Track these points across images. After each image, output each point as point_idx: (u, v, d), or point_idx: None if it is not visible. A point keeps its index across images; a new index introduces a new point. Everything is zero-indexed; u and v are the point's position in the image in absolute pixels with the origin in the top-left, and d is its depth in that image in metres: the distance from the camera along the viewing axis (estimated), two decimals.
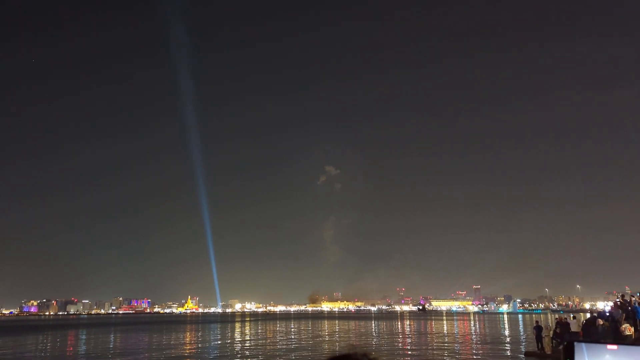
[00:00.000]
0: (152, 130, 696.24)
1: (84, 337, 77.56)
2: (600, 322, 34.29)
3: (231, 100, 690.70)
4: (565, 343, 1.71)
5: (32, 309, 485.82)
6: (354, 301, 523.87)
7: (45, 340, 68.74)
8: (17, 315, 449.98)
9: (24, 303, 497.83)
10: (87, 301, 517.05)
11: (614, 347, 1.64)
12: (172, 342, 62.56)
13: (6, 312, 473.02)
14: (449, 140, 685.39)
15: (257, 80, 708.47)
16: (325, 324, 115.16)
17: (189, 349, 51.01)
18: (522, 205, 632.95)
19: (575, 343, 1.67)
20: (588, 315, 48.65)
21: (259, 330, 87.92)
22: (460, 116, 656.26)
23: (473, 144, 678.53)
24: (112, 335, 78.21)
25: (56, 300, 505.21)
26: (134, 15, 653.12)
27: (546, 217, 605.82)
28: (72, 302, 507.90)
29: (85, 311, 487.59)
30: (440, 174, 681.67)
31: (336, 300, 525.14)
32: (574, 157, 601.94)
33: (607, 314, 39.24)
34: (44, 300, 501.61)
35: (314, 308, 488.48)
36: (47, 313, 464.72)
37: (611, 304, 69.20)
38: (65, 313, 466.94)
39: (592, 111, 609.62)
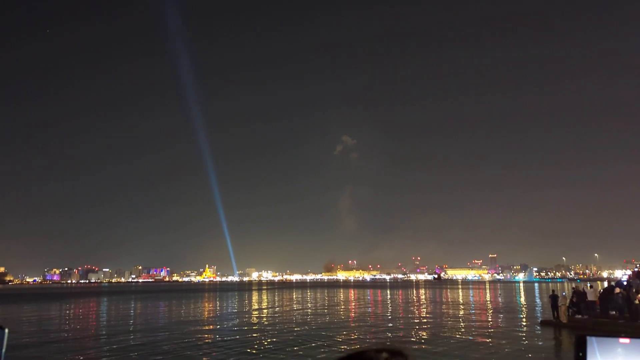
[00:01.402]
0: (171, 111, 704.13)
1: (106, 304, 79.49)
2: (618, 290, 34.13)
3: (247, 81, 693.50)
4: (575, 337, 1.68)
5: (55, 277, 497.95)
6: (370, 270, 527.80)
7: (69, 308, 70.56)
8: (41, 283, 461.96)
9: (47, 271, 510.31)
10: (108, 270, 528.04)
11: (626, 340, 1.61)
12: (191, 310, 63.85)
13: (30, 280, 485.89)
14: (466, 122, 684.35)
15: (274, 62, 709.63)
16: (341, 293, 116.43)
17: (209, 318, 52.00)
18: (539, 185, 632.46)
19: (587, 337, 1.63)
20: (605, 284, 48.46)
21: (276, 299, 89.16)
22: (477, 99, 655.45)
23: (491, 127, 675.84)
24: (132, 303, 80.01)
25: (78, 269, 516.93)
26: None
27: (563, 196, 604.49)
28: (93, 271, 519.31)
29: (106, 279, 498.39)
30: (457, 155, 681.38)
31: (352, 269, 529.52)
32: (593, 140, 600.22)
33: (625, 282, 39.04)
34: (66, 269, 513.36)
35: (330, 277, 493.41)
36: (69, 281, 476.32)
37: (629, 272, 68.80)
38: (87, 281, 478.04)
39: (606, 97, 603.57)
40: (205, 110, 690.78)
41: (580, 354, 1.64)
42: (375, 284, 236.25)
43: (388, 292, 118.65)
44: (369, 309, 59.68)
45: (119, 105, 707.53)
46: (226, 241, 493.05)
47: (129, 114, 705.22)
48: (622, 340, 1.60)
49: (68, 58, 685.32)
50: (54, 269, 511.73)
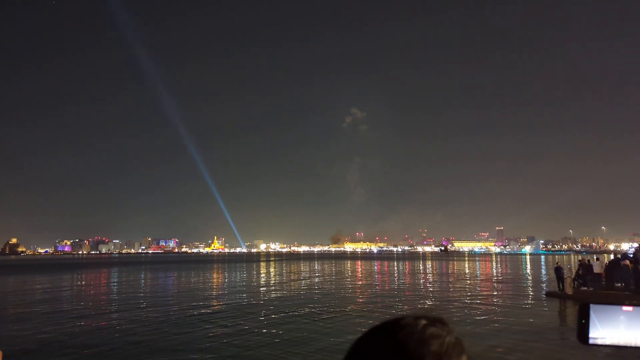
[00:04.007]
0: (175, 85, 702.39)
1: (117, 274, 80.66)
2: (625, 263, 34.23)
3: (251, 52, 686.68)
4: (579, 305, 1.69)
5: (66, 249, 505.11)
6: (377, 242, 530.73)
7: (81, 278, 71.68)
8: (52, 254, 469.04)
9: (58, 243, 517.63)
10: (118, 241, 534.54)
11: (630, 308, 1.61)
12: (200, 279, 64.72)
13: (42, 251, 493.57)
14: (475, 92, 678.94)
15: (278, 29, 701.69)
16: (349, 264, 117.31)
17: (217, 287, 52.68)
18: (546, 157, 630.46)
19: (590, 305, 1.64)
20: (612, 257, 48.57)
21: (284, 271, 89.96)
22: (485, 68, 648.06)
23: (501, 97, 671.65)
24: (142, 274, 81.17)
25: (88, 240, 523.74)
26: None
27: (571, 168, 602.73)
28: (103, 242, 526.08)
29: (116, 250, 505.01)
30: (465, 127, 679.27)
31: (359, 241, 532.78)
32: (602, 111, 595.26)
33: (632, 255, 39.12)
34: (77, 240, 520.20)
35: (337, 248, 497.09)
36: (80, 252, 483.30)
37: (636, 245, 68.88)
38: (97, 252, 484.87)
39: (616, 66, 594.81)
40: (210, 82, 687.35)
41: (583, 321, 1.66)
42: (382, 256, 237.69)
43: (395, 263, 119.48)
44: (376, 280, 60.23)
45: (125, 79, 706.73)
46: (235, 215, 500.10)
47: (136, 88, 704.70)
48: (625, 308, 1.62)
49: (83, 28, 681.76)
50: (65, 241, 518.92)
